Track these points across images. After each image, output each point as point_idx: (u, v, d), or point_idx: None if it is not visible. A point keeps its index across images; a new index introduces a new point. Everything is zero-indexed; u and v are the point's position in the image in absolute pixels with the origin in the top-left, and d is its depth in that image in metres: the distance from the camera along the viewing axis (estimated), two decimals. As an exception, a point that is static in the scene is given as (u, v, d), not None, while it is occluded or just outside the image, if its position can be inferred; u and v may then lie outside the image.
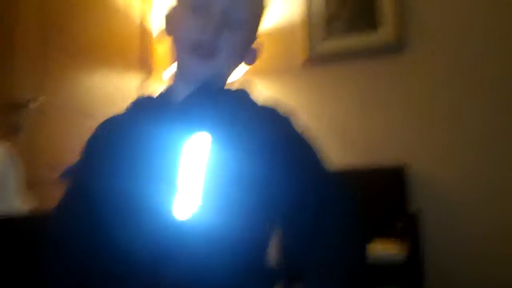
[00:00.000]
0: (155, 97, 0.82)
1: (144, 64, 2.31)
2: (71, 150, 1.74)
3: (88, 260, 0.72)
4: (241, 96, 0.81)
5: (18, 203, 1.23)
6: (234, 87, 0.83)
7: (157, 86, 2.34)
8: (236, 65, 0.82)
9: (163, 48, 2.30)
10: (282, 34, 2.49)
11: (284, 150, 0.73)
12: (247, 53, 0.83)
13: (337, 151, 2.18)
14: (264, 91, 2.35)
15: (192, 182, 0.69)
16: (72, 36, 1.89)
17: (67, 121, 1.81)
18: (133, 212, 0.70)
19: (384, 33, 2.33)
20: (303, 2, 2.49)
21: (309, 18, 2.47)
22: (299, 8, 2.50)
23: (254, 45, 0.84)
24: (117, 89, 2.12)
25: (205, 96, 0.76)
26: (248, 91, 0.83)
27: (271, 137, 0.73)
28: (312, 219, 0.68)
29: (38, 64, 1.70)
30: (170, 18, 0.83)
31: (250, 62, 0.84)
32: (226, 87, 0.82)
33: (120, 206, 0.71)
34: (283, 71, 2.48)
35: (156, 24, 2.37)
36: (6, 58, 1.57)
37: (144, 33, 2.32)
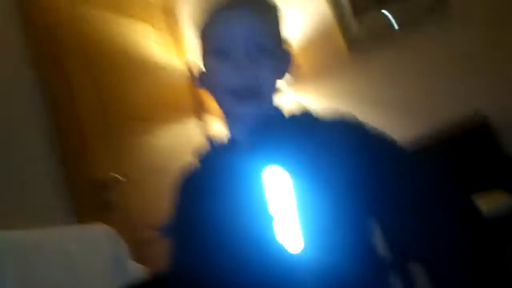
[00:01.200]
0: (221, 142, 0.85)
1: (200, 110, 2.39)
2: (161, 209, 1.82)
3: None
4: (306, 118, 0.81)
5: (136, 275, 1.29)
6: (296, 111, 0.82)
7: (216, 128, 2.41)
8: (277, 81, 0.82)
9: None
10: (319, 35, 2.49)
11: (370, 159, 0.72)
12: (283, 66, 0.83)
13: (405, 127, 2.13)
14: (320, 95, 2.38)
15: (287, 215, 0.69)
16: (129, 102, 2.01)
17: (148, 183, 1.90)
18: (243, 247, 0.71)
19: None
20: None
21: (337, 11, 2.46)
22: (326, 9, 2.50)
23: (284, 55, 0.84)
24: (183, 139, 2.21)
25: (270, 127, 0.77)
26: (309, 110, 0.82)
27: (351, 150, 0.72)
28: (420, 211, 0.67)
29: (109, 138, 1.81)
30: (202, 75, 0.84)
31: (284, 74, 0.84)
32: (288, 113, 0.82)
33: (229, 247, 0.72)
34: (330, 69, 2.46)
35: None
36: (78, 141, 1.68)
37: (191, 82, 2.41)
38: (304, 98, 2.37)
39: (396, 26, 2.34)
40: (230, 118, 0.81)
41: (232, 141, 0.82)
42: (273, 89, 0.80)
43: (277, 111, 0.81)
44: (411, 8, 2.30)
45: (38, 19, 1.73)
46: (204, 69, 0.83)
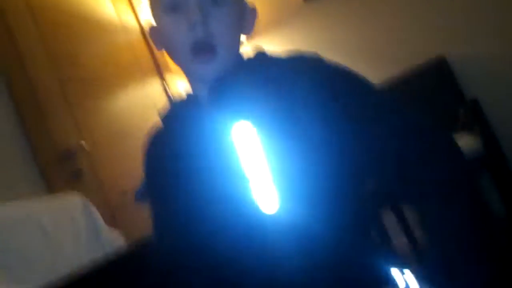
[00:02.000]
0: (182, 101, 0.81)
1: (161, 69, 2.33)
2: (130, 172, 1.81)
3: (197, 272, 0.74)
4: (262, 59, 0.78)
5: (110, 242, 1.29)
6: (250, 54, 0.79)
7: (178, 82, 2.36)
8: (239, 37, 0.78)
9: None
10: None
11: (335, 94, 0.68)
12: (243, 23, 0.78)
13: (370, 68, 2.14)
14: (276, 45, 2.35)
15: (260, 174, 0.67)
16: (85, 65, 1.94)
17: (115, 148, 1.87)
18: (219, 210, 0.70)
19: None
20: None
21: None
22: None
23: (248, 12, 0.79)
24: (146, 99, 2.16)
25: (229, 78, 0.74)
26: (264, 51, 0.79)
27: (314, 87, 0.69)
28: (400, 147, 0.64)
29: (69, 107, 1.75)
30: (155, 36, 0.80)
31: (248, 31, 0.80)
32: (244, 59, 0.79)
33: (205, 207, 0.71)
34: (286, 18, 2.43)
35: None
36: (35, 109, 1.62)
37: (146, 36, 2.33)
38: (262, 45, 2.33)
39: None
40: (189, 75, 0.78)
41: (194, 97, 0.78)
42: (233, 45, 0.77)
43: (236, 61, 0.77)
44: None
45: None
46: (156, 25, 0.78)
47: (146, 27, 2.29)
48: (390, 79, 2.14)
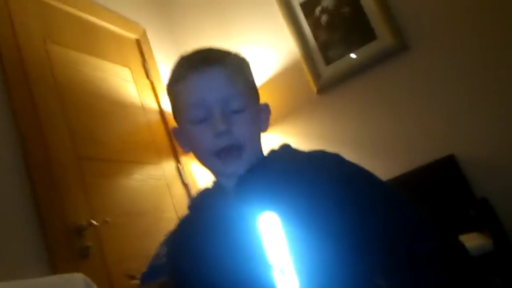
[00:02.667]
0: (209, 190, 0.86)
1: (176, 151, 2.39)
2: (138, 254, 1.79)
3: None
4: (287, 152, 0.84)
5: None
6: (276, 147, 0.85)
7: (193, 166, 2.40)
8: (259, 135, 0.85)
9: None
10: (287, 76, 2.56)
11: (353, 191, 0.74)
12: (261, 121, 0.85)
13: (379, 165, 2.17)
14: (289, 132, 2.42)
15: (282, 261, 0.71)
16: (103, 144, 1.98)
17: (125, 228, 1.86)
18: None
19: (382, 40, 2.37)
20: (295, 42, 2.56)
21: (305, 53, 2.54)
22: (293, 48, 2.57)
23: (263, 110, 0.87)
24: (158, 181, 2.19)
25: (255, 171, 0.79)
26: (289, 145, 0.85)
27: (335, 183, 0.74)
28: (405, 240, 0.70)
29: (83, 184, 1.77)
30: (180, 137, 0.87)
31: (266, 127, 0.87)
32: (268, 150, 0.85)
33: None
34: (298, 108, 2.52)
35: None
36: (50, 185, 1.64)
37: (164, 119, 2.41)
38: (274, 138, 2.39)
39: (361, 67, 2.41)
40: (216, 173, 0.84)
41: (221, 188, 0.83)
42: (255, 143, 0.83)
43: (260, 156, 0.83)
44: (376, 50, 2.38)
45: (13, 56, 1.72)
46: (183, 137, 0.86)
47: (166, 109, 2.41)
48: (400, 175, 2.16)
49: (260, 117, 0.85)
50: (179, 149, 2.37)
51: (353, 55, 2.44)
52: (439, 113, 2.25)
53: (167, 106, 2.43)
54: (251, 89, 0.85)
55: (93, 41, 2.20)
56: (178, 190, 2.26)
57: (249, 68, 0.87)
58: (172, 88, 0.85)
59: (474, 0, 2.23)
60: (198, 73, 0.80)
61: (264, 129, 0.86)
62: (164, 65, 2.60)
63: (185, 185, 2.31)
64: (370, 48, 2.40)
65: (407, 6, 2.35)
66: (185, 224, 0.87)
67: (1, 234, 1.40)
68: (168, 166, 2.30)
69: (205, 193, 0.87)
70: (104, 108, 2.07)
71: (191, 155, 2.25)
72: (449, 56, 2.25)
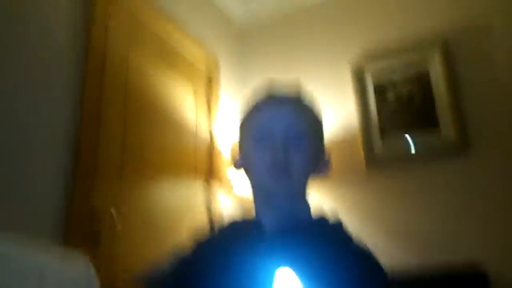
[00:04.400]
0: (245, 221, 0.91)
1: (210, 177, 2.49)
2: (144, 259, 1.86)
3: None
4: (337, 231, 0.87)
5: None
6: (331, 219, 0.89)
7: (220, 197, 2.48)
8: (309, 179, 0.91)
9: (225, 162, 2.49)
10: (342, 143, 2.58)
11: (365, 275, 0.78)
12: (318, 165, 0.91)
13: (402, 255, 2.14)
14: (329, 198, 2.43)
15: None
16: (148, 151, 2.13)
17: (138, 230, 1.96)
18: None
19: (443, 130, 2.34)
20: (358, 113, 2.60)
21: (364, 125, 2.56)
22: (355, 119, 2.61)
23: (325, 157, 0.94)
24: (186, 200, 2.29)
25: (298, 229, 0.84)
26: (343, 224, 0.89)
27: (352, 263, 0.78)
28: None
29: (117, 177, 1.91)
30: (238, 152, 0.94)
31: (323, 173, 0.93)
32: (321, 215, 0.90)
33: None
34: (346, 179, 2.52)
35: (222, 141, 2.59)
36: (90, 178, 1.78)
37: (212, 148, 2.52)
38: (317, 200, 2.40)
39: (414, 152, 2.40)
40: (259, 196, 0.89)
41: (256, 225, 0.88)
42: (304, 177, 0.89)
43: (303, 212, 0.89)
44: (435, 139, 2.36)
45: (98, 56, 1.93)
46: (241, 152, 0.93)
47: (216, 135, 2.52)
48: (422, 268, 2.10)
49: (318, 162, 0.91)
50: (215, 178, 2.47)
51: (409, 139, 2.43)
52: (483, 224, 2.19)
53: (218, 137, 2.56)
54: (319, 130, 0.94)
55: (170, 60, 2.40)
56: (200, 214, 2.34)
57: (321, 115, 0.95)
58: (246, 115, 0.94)
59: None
60: (275, 104, 0.90)
61: (317, 173, 0.91)
62: (226, 96, 2.74)
63: (209, 211, 2.39)
64: (430, 136, 2.38)
65: (478, 105, 2.34)
66: (204, 244, 0.91)
67: (32, 193, 1.54)
68: (199, 191, 2.40)
69: (237, 223, 0.92)
70: (160, 123, 2.24)
71: (224, 187, 2.31)
72: (509, 164, 2.21)
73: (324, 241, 0.82)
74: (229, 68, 2.88)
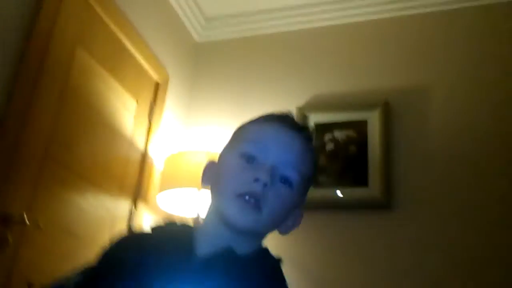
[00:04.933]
0: (181, 229, 0.82)
1: (139, 192, 2.37)
2: (51, 269, 1.72)
3: None
4: (272, 270, 0.79)
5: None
6: (270, 254, 0.81)
7: (145, 214, 2.36)
8: (274, 227, 0.81)
9: (157, 177, 2.39)
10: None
11: None
12: (286, 219, 0.81)
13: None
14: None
15: None
16: (78, 156, 1.99)
17: (52, 238, 1.81)
18: None
19: (371, 190, 2.41)
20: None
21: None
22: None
23: (297, 210, 0.83)
24: (107, 213, 2.15)
25: (230, 263, 0.74)
26: (280, 264, 0.81)
27: None
28: None
29: (35, 180, 1.75)
30: (210, 171, 0.84)
31: (286, 230, 0.83)
32: (262, 249, 0.81)
33: None
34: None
35: (157, 154, 2.49)
36: (3, 179, 1.61)
37: (144, 162, 2.41)
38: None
39: (341, 206, 2.44)
40: (218, 217, 0.78)
41: (189, 242, 0.78)
42: (272, 224, 0.79)
43: (246, 248, 0.78)
44: (362, 196, 2.42)
45: (40, 45, 1.79)
46: (218, 166, 0.83)
47: (150, 155, 2.42)
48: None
49: (291, 213, 0.81)
50: (141, 194, 2.35)
51: (339, 192, 2.47)
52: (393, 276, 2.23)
53: (152, 153, 2.46)
54: (306, 184, 0.82)
55: (118, 62, 2.29)
56: (122, 230, 2.20)
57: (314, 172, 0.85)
58: (247, 125, 0.84)
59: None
60: (283, 128, 0.79)
61: (283, 231, 0.82)
62: (170, 112, 2.66)
63: (129, 229, 2.26)
64: (357, 193, 2.44)
65: (406, 167, 2.42)
66: (129, 241, 0.83)
67: None
68: (123, 205, 2.27)
69: (174, 228, 0.82)
70: (95, 126, 2.11)
71: (150, 205, 2.21)
72: (428, 223, 2.27)
73: (253, 281, 0.74)
74: (179, 82, 2.81)
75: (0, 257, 1.54)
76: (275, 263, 0.81)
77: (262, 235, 0.81)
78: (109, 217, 2.15)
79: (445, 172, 2.36)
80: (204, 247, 0.77)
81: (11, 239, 1.57)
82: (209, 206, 0.82)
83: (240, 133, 0.85)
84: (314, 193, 2.41)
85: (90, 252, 1.86)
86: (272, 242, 2.35)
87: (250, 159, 0.77)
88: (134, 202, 2.32)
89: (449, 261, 2.19)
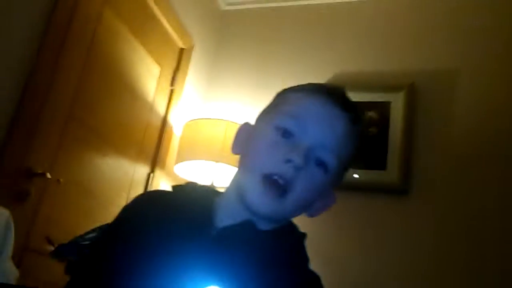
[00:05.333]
0: (202, 194, 0.77)
1: (157, 158, 2.39)
2: (69, 226, 1.77)
3: None
4: (292, 248, 0.73)
5: (10, 268, 1.23)
6: (294, 230, 0.75)
7: (162, 181, 2.39)
8: (299, 212, 0.73)
9: (176, 144, 2.40)
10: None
11: None
12: (316, 202, 0.73)
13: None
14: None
15: None
16: (100, 118, 2.01)
17: (71, 196, 1.85)
18: None
19: (389, 174, 2.37)
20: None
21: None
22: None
23: (328, 194, 0.75)
24: (125, 176, 2.18)
25: (250, 235, 0.69)
26: (304, 240, 0.75)
27: None
28: None
29: (59, 139, 1.78)
30: (243, 136, 0.76)
31: (314, 212, 0.75)
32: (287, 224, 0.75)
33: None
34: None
35: (177, 121, 2.49)
36: (32, 128, 1.65)
37: (163, 128, 2.42)
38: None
39: (357, 187, 2.40)
40: (238, 193, 0.71)
41: (207, 212, 0.73)
42: (293, 211, 0.72)
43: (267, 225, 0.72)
44: (378, 180, 2.39)
45: (68, 5, 1.79)
46: (252, 127, 0.76)
47: (170, 122, 2.43)
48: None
49: (324, 194, 0.74)
50: (160, 161, 2.37)
51: (355, 174, 2.43)
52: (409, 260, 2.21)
53: (172, 120, 2.46)
54: (346, 165, 0.76)
55: (145, 26, 2.28)
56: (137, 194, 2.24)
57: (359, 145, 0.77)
58: (290, 92, 0.76)
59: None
60: (329, 104, 0.71)
61: (312, 214, 0.75)
62: (194, 79, 2.66)
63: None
64: (374, 176, 2.40)
65: (427, 153, 2.37)
66: (150, 197, 0.81)
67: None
68: (141, 170, 2.29)
69: (197, 189, 0.77)
70: (118, 89, 2.12)
71: (168, 172, 2.21)
72: (445, 212, 2.24)
73: (271, 262, 0.68)
74: (203, 51, 2.79)
75: (22, 209, 1.58)
76: (298, 239, 0.75)
77: (285, 219, 0.75)
78: (127, 180, 2.17)
79: (467, 160, 2.28)
80: (223, 219, 0.72)
81: (34, 192, 1.61)
82: (233, 176, 0.76)
83: (281, 101, 0.75)
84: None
85: (106, 212, 1.93)
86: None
87: (286, 134, 0.69)
88: (152, 168, 2.34)
89: (465, 251, 2.16)
